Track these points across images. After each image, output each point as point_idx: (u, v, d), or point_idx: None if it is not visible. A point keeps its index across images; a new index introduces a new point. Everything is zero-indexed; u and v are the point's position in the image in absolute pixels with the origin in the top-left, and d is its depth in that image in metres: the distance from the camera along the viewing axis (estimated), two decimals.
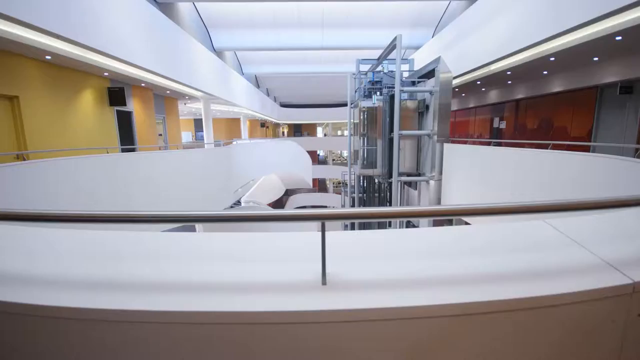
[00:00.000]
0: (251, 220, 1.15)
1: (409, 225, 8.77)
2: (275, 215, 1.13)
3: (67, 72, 6.57)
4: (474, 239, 1.48)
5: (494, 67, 7.60)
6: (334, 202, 31.42)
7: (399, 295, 1.02)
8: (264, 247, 1.40)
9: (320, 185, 35.50)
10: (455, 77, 8.26)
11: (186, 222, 1.10)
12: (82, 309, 0.97)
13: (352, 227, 11.49)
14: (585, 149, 6.64)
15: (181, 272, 1.18)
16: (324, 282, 1.08)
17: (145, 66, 6.57)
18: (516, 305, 0.98)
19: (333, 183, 35.25)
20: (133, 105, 8.80)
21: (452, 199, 6.88)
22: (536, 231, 1.48)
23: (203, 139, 12.73)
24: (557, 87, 8.01)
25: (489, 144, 7.36)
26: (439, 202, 7.30)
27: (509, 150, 5.04)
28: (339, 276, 1.12)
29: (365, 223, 10.68)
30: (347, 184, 12.30)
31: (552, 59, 6.42)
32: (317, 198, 31.74)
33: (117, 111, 8.00)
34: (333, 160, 36.00)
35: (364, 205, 10.49)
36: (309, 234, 1.44)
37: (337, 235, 1.46)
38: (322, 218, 1.10)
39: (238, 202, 16.18)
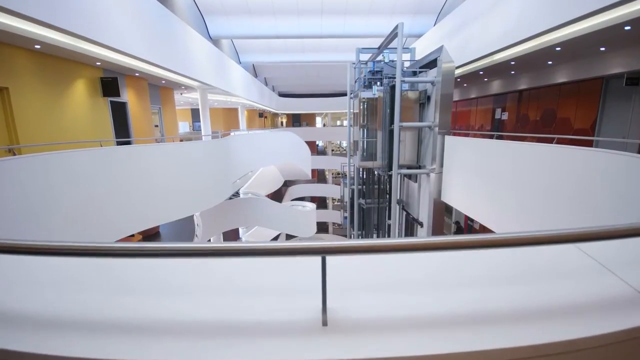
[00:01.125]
0: (245, 255, 1.01)
1: (411, 223, 8.73)
2: (271, 249, 0.97)
3: (58, 62, 6.36)
4: (495, 262, 1.30)
5: (498, 57, 7.40)
6: (333, 193, 31.40)
7: (413, 340, 0.87)
8: (252, 275, 1.21)
9: (319, 176, 35.41)
10: (457, 67, 8.07)
11: (176, 255, 0.97)
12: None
13: (359, 226, 11.45)
14: (589, 143, 6.54)
15: (136, 309, 0.99)
16: (324, 323, 0.95)
17: (138, 55, 6.36)
18: (551, 350, 0.84)
19: (332, 174, 35.16)
20: (127, 95, 8.60)
21: (453, 193, 6.80)
22: (563, 254, 1.30)
23: (201, 130, 12.55)
24: (561, 77, 7.84)
25: (491, 136, 7.24)
26: (439, 195, 7.22)
27: (512, 144, 4.93)
28: (342, 313, 0.98)
29: (367, 220, 10.65)
30: (346, 175, 12.22)
31: (558, 48, 6.24)
32: (316, 189, 31.71)
33: (111, 102, 7.80)
34: (332, 150, 35.81)
35: (364, 197, 10.42)
36: (306, 259, 1.24)
37: (337, 260, 1.28)
38: (323, 252, 0.95)
39: (237, 194, 16.12)
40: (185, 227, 11.84)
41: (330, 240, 0.98)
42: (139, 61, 6.84)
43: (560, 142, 4.32)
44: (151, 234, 11.59)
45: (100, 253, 0.95)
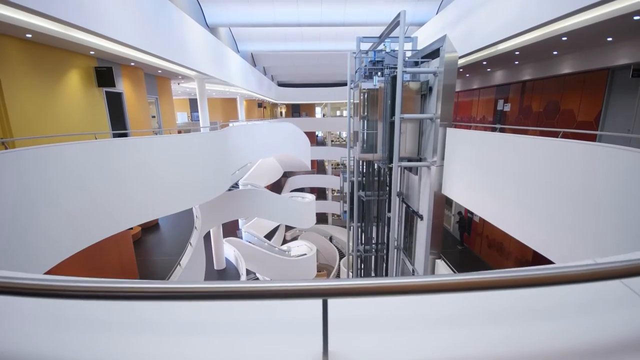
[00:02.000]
0: (242, 298, 0.89)
1: (410, 215, 8.68)
2: (269, 290, 0.86)
3: (50, 51, 6.18)
4: (520, 295, 1.13)
5: (502, 47, 7.22)
6: (332, 184, 31.36)
7: None
8: (245, 313, 1.06)
9: (319, 167, 35.31)
10: (460, 57, 7.89)
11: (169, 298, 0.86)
12: None
13: (358, 218, 11.42)
14: (593, 137, 6.44)
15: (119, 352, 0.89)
16: None
17: (132, 43, 6.18)
18: None
19: (332, 164, 35.04)
20: (123, 85, 8.42)
21: (453, 186, 6.74)
22: (607, 291, 1.09)
23: (199, 120, 12.37)
24: (566, 68, 7.67)
25: (493, 129, 7.12)
26: (439, 188, 7.16)
27: (515, 138, 4.83)
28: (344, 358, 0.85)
29: (366, 213, 10.62)
30: (346, 168, 12.13)
31: (564, 38, 6.07)
32: (316, 179, 31.66)
33: (107, 93, 7.64)
34: (332, 141, 35.59)
35: (363, 190, 10.35)
36: (307, 303, 1.07)
37: (339, 304, 1.11)
38: (325, 294, 0.84)
39: (236, 185, 16.05)
40: (184, 218, 11.81)
41: (331, 282, 0.85)
42: (133, 50, 6.66)
43: (564, 135, 4.23)
44: (150, 226, 11.57)
45: (106, 295, 0.85)
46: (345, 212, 12.20)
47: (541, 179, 4.18)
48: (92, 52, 6.99)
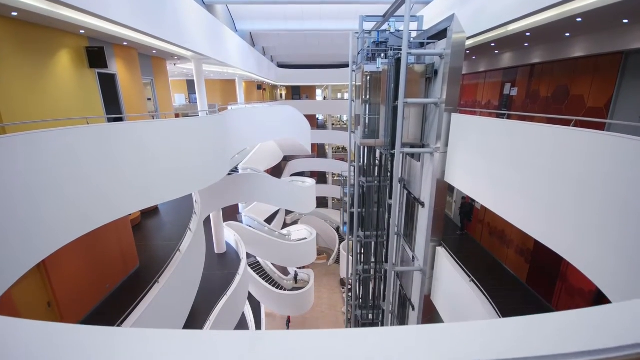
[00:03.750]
0: None
1: (412, 202, 8.58)
2: None
3: (38, 31, 5.87)
4: None
5: (513, 27, 6.87)
6: (333, 168, 31.20)
7: None
8: None
9: (319, 151, 35.02)
10: (467, 38, 7.54)
11: None
12: None
13: (359, 204, 11.32)
14: (601, 126, 6.24)
15: None
16: None
17: (122, 21, 5.86)
18: None
19: (332, 148, 34.73)
20: (116, 67, 8.11)
21: (457, 173, 6.59)
22: None
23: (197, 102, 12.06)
24: (577, 51, 7.34)
25: (499, 115, 6.91)
26: (442, 175, 7.02)
27: (525, 126, 4.64)
28: None
29: (367, 199, 10.49)
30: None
31: (579, 19, 5.75)
32: (316, 163, 31.47)
33: (99, 74, 7.35)
34: (333, 125, 35.11)
35: (364, 175, 10.20)
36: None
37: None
38: None
39: (235, 169, 15.91)
40: (184, 203, 11.75)
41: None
42: (124, 29, 6.34)
43: (575, 124, 4.05)
44: (150, 211, 11.53)
45: None
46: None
47: (551, 169, 4.02)
48: (82, 31, 6.66)
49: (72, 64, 6.65)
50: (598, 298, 6.06)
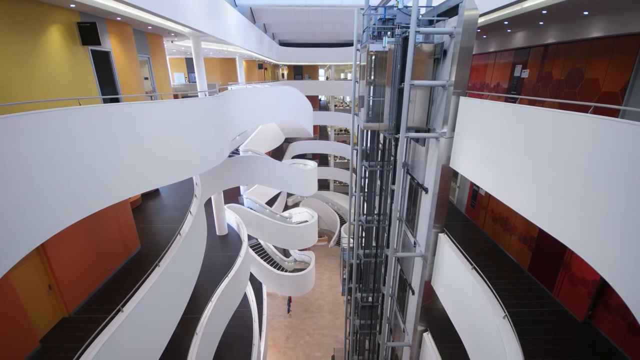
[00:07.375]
0: None
1: (415, 188, 8.43)
2: None
3: (26, 5, 5.54)
4: None
5: (529, 4, 6.46)
6: (335, 150, 30.87)
7: None
8: None
9: (321, 133, 34.58)
10: (480, 16, 7.12)
11: None
12: None
13: (360, 190, 11.18)
14: (615, 113, 5.96)
15: None
16: None
17: None
18: None
19: (335, 130, 34.27)
20: (110, 43, 7.77)
21: (463, 160, 6.40)
22: None
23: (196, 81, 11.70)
24: (595, 31, 6.93)
25: (510, 99, 6.61)
26: (448, 161, 6.83)
27: (540, 111, 4.40)
28: None
29: (370, 184, 10.34)
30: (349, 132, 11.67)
31: None
32: (318, 146, 31.15)
33: (93, 52, 7.05)
34: (335, 106, 34.47)
35: (367, 159, 10.01)
36: None
37: None
38: None
39: (236, 151, 15.71)
40: (185, 184, 11.66)
41: None
42: (115, 2, 5.98)
43: (588, 109, 3.81)
44: (151, 192, 11.46)
45: None
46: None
47: (567, 159, 3.84)
48: (72, 5, 6.32)
49: (64, 41, 6.35)
50: (602, 288, 6.02)
